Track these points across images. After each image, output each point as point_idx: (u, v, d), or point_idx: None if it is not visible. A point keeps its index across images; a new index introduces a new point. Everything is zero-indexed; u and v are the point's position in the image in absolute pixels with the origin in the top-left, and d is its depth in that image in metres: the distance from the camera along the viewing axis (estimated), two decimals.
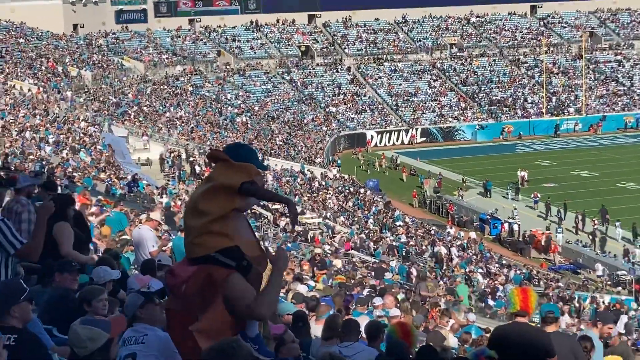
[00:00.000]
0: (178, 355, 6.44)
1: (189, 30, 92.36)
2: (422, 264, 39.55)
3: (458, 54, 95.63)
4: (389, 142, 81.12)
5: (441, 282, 31.91)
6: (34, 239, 7.23)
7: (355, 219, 51.03)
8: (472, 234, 51.12)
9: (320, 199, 53.09)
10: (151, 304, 6.74)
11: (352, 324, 9.24)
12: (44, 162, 33.41)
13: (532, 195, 57.90)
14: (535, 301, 8.30)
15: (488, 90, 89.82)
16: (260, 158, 5.83)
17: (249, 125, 72.49)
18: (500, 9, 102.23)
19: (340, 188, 58.76)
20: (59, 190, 23.88)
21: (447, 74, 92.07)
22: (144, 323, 6.64)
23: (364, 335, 9.43)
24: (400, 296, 20.92)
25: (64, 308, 7.59)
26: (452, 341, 14.82)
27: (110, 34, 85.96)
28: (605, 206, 53.00)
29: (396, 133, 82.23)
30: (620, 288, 42.91)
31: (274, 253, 5.67)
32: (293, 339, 8.04)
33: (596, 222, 51.60)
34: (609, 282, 44.31)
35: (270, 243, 28.40)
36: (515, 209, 54.99)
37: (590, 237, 50.51)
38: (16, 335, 5.85)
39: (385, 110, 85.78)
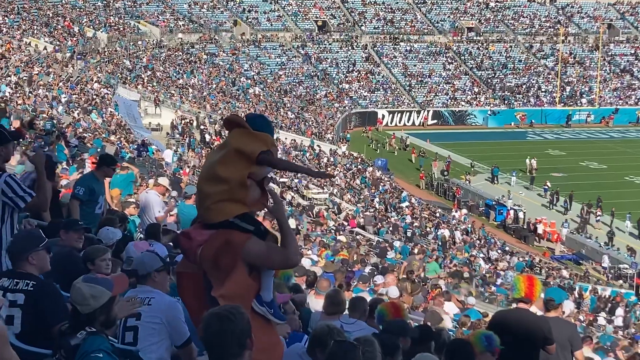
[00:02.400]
0: (182, 322, 6.49)
1: None
2: (425, 245, 39.63)
3: (475, 38, 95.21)
4: (399, 122, 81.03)
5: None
6: (40, 190, 7.28)
7: (362, 197, 51.08)
8: (464, 211, 51.65)
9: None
10: (165, 272, 6.81)
11: (359, 301, 9.31)
12: (55, 121, 33.47)
13: (543, 184, 57.91)
14: (539, 290, 8.36)
15: (502, 76, 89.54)
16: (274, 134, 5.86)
17: (261, 97, 72.44)
18: None
19: (348, 165, 58.76)
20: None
21: (462, 57, 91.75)
22: (152, 286, 6.69)
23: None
24: (402, 276, 21.00)
25: (67, 266, 7.65)
26: (448, 323, 14.88)
27: None
28: (604, 198, 53.21)
29: (408, 114, 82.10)
30: (621, 281, 42.96)
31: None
32: (294, 310, 8.09)
33: (599, 213, 51.76)
34: (610, 275, 44.35)
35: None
36: (509, 192, 55.25)
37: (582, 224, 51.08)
38: (35, 282, 5.97)
39: (398, 90, 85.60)
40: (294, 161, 53.16)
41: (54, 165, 11.21)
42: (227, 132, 5.71)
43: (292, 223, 24.43)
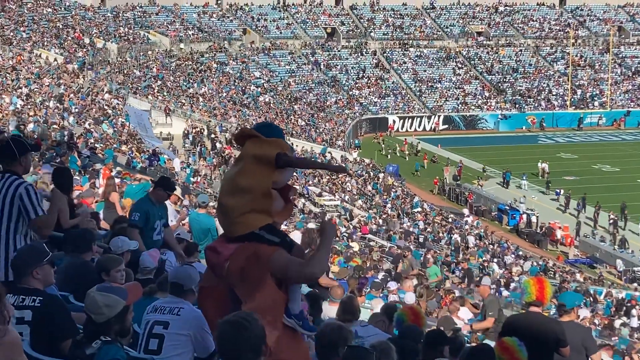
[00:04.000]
0: (209, 334, 6.46)
1: (216, 7, 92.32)
2: (438, 251, 39.59)
3: (484, 42, 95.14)
4: (410, 127, 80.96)
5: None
6: (49, 214, 7.32)
7: (374, 203, 51.05)
8: (465, 211, 51.77)
9: (340, 182, 53.13)
10: None
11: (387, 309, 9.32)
12: (66, 132, 33.58)
13: (556, 188, 57.79)
14: (550, 292, 8.33)
15: (513, 80, 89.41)
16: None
17: (271, 105, 72.52)
18: None
19: (359, 172, 58.74)
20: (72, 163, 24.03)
21: (472, 62, 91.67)
22: (183, 298, 6.69)
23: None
24: (414, 282, 20.95)
25: (82, 276, 7.66)
26: (463, 328, 14.83)
27: (138, 8, 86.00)
28: (617, 201, 53.03)
29: (418, 119, 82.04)
30: (636, 284, 42.74)
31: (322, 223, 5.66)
32: (307, 316, 8.06)
33: (612, 215, 51.53)
34: (625, 278, 44.16)
35: (287, 223, 28.49)
36: (524, 196, 55.11)
37: (611, 229, 50.53)
38: (41, 297, 5.93)
39: (408, 95, 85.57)
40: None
41: (71, 179, 11.18)
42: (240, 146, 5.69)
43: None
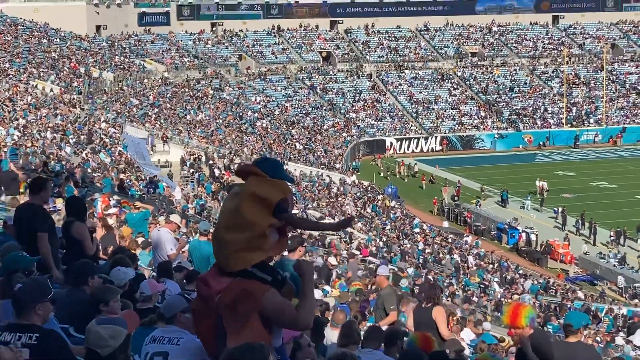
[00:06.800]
0: None
1: (211, 33, 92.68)
2: (438, 272, 39.51)
3: (479, 62, 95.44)
4: (408, 149, 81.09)
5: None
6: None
7: (373, 225, 50.98)
8: (445, 224, 52.06)
9: (339, 205, 53.09)
10: None
11: (375, 331, 9.26)
12: (64, 162, 33.56)
13: (554, 206, 57.82)
14: (526, 318, 8.20)
15: (508, 99, 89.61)
16: (285, 169, 5.89)
17: (269, 130, 72.63)
18: (522, 19, 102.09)
19: (358, 194, 58.70)
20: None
21: (467, 82, 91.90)
22: (179, 327, 6.68)
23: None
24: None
25: (82, 309, 7.62)
26: (466, 350, 14.78)
27: (133, 36, 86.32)
28: (616, 217, 53.14)
29: (415, 140, 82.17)
30: (637, 300, 42.67)
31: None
32: (309, 342, 8.05)
33: (612, 233, 51.54)
34: (625, 294, 44.07)
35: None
36: (521, 217, 55.14)
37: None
38: (38, 334, 5.87)
39: (405, 117, 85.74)
40: (304, 190, 53.16)
41: (84, 206, 11.22)
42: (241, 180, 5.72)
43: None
